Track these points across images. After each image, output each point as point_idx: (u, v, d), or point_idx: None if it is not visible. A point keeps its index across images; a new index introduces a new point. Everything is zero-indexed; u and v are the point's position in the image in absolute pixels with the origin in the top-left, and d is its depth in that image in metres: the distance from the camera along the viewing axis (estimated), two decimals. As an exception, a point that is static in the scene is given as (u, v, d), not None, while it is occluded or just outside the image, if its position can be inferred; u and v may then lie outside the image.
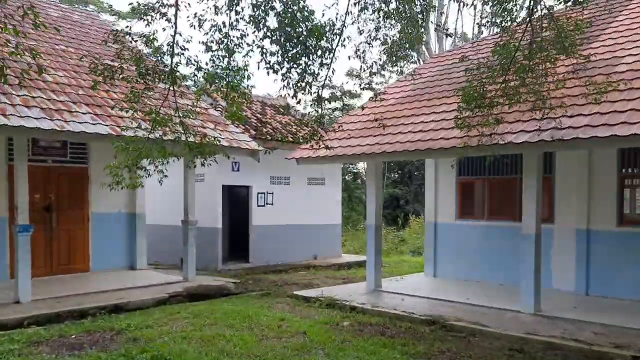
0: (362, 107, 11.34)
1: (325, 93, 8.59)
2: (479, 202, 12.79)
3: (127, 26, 7.82)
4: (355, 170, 37.99)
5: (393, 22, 8.59)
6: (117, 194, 10.74)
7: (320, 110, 8.09)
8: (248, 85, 8.48)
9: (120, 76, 7.38)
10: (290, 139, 16.38)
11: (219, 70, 7.84)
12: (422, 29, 8.77)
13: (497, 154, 9.38)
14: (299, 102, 8.03)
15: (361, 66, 8.62)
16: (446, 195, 13.25)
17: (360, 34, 8.57)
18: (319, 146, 8.86)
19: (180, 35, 7.35)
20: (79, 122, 9.68)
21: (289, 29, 7.44)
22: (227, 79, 7.97)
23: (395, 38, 9.02)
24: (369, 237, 11.79)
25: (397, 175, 41.29)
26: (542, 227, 10.63)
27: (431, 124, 10.59)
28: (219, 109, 14.58)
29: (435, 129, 10.30)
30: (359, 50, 8.46)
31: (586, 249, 10.73)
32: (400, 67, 13.98)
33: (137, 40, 7.74)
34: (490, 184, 12.56)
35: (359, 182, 37.23)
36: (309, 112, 20.27)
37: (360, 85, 36.73)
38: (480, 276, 12.41)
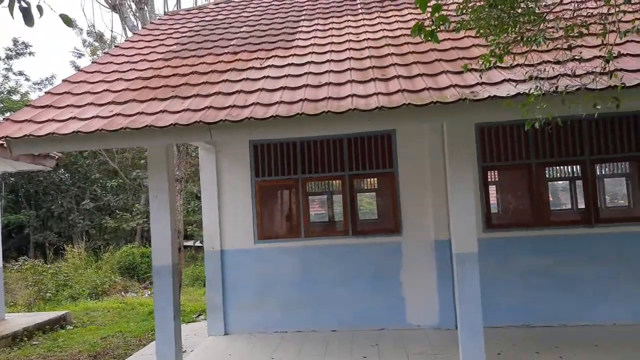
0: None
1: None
2: (291, 214, 8.66)
3: None
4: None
5: None
6: None
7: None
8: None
9: None
10: None
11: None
12: None
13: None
14: None
15: None
16: (238, 208, 8.68)
17: None
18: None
19: None
20: None
21: None
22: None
23: None
24: (160, 289, 6.37)
25: (8, 200, 32.39)
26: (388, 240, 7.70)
27: (284, 80, 6.14)
28: None
29: (312, 84, 5.90)
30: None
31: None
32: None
33: None
34: (304, 186, 8.59)
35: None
36: None
37: None
38: (305, 324, 8.32)
